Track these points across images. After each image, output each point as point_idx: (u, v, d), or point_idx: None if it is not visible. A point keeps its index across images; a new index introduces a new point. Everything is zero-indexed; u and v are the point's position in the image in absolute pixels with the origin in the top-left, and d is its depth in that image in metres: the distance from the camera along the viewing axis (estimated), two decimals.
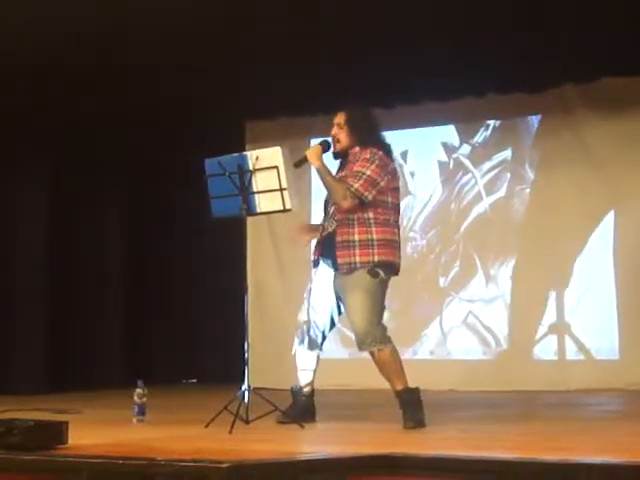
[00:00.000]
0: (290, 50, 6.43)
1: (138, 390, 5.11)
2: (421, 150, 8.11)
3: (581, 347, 7.35)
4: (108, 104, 7.43)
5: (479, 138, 7.93)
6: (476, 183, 7.88)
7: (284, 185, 4.70)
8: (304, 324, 4.91)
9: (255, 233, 7.76)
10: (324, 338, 4.95)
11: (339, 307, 4.88)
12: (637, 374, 6.92)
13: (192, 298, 9.16)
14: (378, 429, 4.66)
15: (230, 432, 4.36)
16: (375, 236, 4.68)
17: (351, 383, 7.50)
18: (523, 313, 7.60)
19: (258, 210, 4.84)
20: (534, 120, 7.74)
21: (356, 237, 4.69)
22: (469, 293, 7.80)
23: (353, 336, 4.75)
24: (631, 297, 7.17)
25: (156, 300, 9.23)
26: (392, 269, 4.76)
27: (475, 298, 7.77)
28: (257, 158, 4.73)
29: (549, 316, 7.48)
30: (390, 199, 4.78)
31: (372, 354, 4.64)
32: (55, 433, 3.73)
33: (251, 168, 4.74)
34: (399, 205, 4.89)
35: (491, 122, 7.89)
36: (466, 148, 7.99)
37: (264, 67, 6.77)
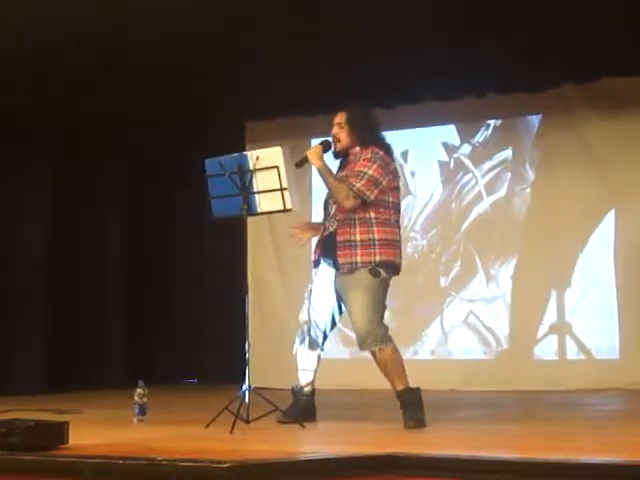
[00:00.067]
0: (290, 50, 6.42)
1: (139, 390, 5.10)
2: (421, 150, 8.11)
3: (582, 347, 7.35)
4: (108, 104, 7.43)
5: (479, 138, 7.93)
6: (477, 183, 7.88)
7: (284, 185, 4.69)
8: (305, 324, 4.91)
9: (255, 233, 7.76)
10: (325, 338, 4.95)
11: (340, 307, 4.88)
12: (637, 374, 6.92)
13: (192, 298, 9.16)
14: (379, 429, 4.66)
15: (231, 432, 4.36)
16: (376, 236, 4.68)
17: (352, 383, 7.50)
18: (524, 313, 7.60)
19: (259, 210, 4.83)
20: (534, 120, 7.75)
21: (357, 237, 4.69)
22: (470, 293, 7.80)
23: (354, 336, 4.75)
24: (631, 297, 7.17)
25: (156, 300, 9.22)
26: (393, 269, 4.76)
27: (476, 298, 7.77)
28: (257, 158, 4.73)
29: (550, 316, 7.48)
30: (391, 199, 4.78)
31: (373, 354, 4.64)
32: (56, 433, 3.73)
33: (251, 168, 4.74)
34: (400, 205, 4.89)
35: (491, 122, 7.89)
36: (466, 148, 7.99)
37: (264, 67, 6.77)
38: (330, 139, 4.91)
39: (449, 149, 8.04)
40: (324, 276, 4.88)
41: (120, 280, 8.89)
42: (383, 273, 4.68)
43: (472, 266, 7.80)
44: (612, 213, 7.37)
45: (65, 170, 8.35)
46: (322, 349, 4.95)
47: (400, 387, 4.62)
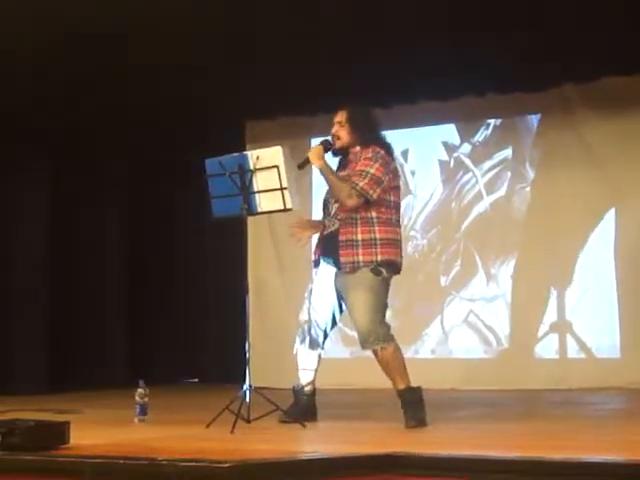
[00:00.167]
0: (290, 50, 6.42)
1: (139, 390, 5.10)
2: (422, 149, 8.12)
3: (582, 346, 7.35)
4: (108, 104, 7.43)
5: (479, 137, 7.93)
6: (477, 182, 7.89)
7: (285, 185, 4.69)
8: (305, 323, 4.91)
9: (256, 233, 7.75)
10: (326, 337, 4.95)
11: (340, 306, 4.88)
12: (638, 373, 6.92)
13: (192, 298, 9.17)
14: (379, 428, 4.66)
15: (232, 432, 4.36)
16: (378, 235, 4.68)
17: (352, 383, 7.50)
18: (524, 312, 7.60)
19: (259, 210, 4.83)
20: (534, 119, 7.75)
21: (359, 236, 4.68)
22: (470, 292, 7.80)
23: (355, 335, 4.75)
24: (632, 296, 7.17)
25: (156, 300, 9.22)
26: (394, 268, 4.76)
27: (476, 297, 7.77)
28: (258, 158, 4.72)
29: (550, 315, 7.49)
30: (392, 198, 4.79)
31: (375, 352, 4.64)
32: (56, 433, 3.73)
33: (252, 168, 4.73)
34: (400, 204, 4.89)
35: (491, 121, 7.89)
36: (467, 147, 7.99)
37: (264, 67, 6.77)
38: (330, 139, 4.91)
39: (449, 148, 8.04)
40: (324, 275, 4.88)
41: (120, 280, 8.90)
42: (384, 272, 4.69)
43: (472, 265, 7.80)
44: (612, 212, 7.37)
45: (65, 170, 8.35)
46: (322, 348, 4.95)
47: (402, 386, 4.62)
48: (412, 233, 8.04)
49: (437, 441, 4.14)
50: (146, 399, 5.09)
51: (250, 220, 5.06)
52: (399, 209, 4.87)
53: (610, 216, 7.37)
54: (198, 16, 5.90)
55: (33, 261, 8.04)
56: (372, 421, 5.08)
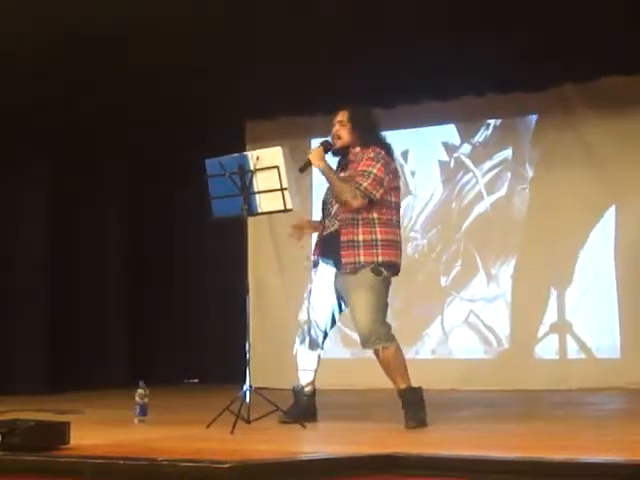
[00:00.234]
0: (290, 50, 6.42)
1: (140, 390, 5.10)
2: (422, 150, 8.11)
3: (582, 346, 7.35)
4: (108, 104, 7.43)
5: (480, 137, 7.93)
6: (477, 182, 7.89)
7: (285, 185, 4.69)
8: (305, 324, 4.91)
9: (256, 233, 7.75)
10: (325, 337, 4.95)
11: (340, 306, 4.88)
12: (638, 373, 6.92)
13: (192, 298, 9.17)
14: (379, 429, 4.66)
15: (232, 432, 4.36)
16: (379, 236, 4.69)
17: (352, 383, 7.50)
18: (524, 312, 7.60)
19: (259, 210, 4.83)
20: (534, 119, 7.75)
21: (360, 237, 4.68)
22: (470, 292, 7.80)
23: (356, 335, 4.76)
24: (632, 296, 7.17)
25: (156, 300, 9.22)
26: (394, 269, 4.77)
27: (476, 297, 7.77)
28: (258, 158, 4.72)
29: (550, 315, 7.49)
30: (393, 199, 4.79)
31: (376, 352, 4.64)
32: (57, 434, 3.73)
33: (252, 168, 4.73)
34: (400, 205, 4.90)
35: (491, 121, 7.90)
36: (467, 147, 7.99)
37: (264, 67, 6.77)
38: (330, 139, 4.91)
39: (449, 149, 8.04)
40: (323, 275, 4.88)
41: (120, 280, 8.89)
42: (385, 272, 4.69)
43: (472, 265, 7.80)
44: (612, 212, 7.37)
45: (65, 170, 8.35)
46: (322, 349, 4.95)
47: (402, 386, 4.62)
48: (412, 233, 8.04)
49: (437, 441, 4.14)
50: (146, 400, 5.09)
51: (250, 220, 5.06)
52: (399, 210, 4.87)
53: (610, 216, 7.37)
54: (198, 16, 5.90)
55: (33, 261, 8.04)
56: (372, 421, 5.08)
